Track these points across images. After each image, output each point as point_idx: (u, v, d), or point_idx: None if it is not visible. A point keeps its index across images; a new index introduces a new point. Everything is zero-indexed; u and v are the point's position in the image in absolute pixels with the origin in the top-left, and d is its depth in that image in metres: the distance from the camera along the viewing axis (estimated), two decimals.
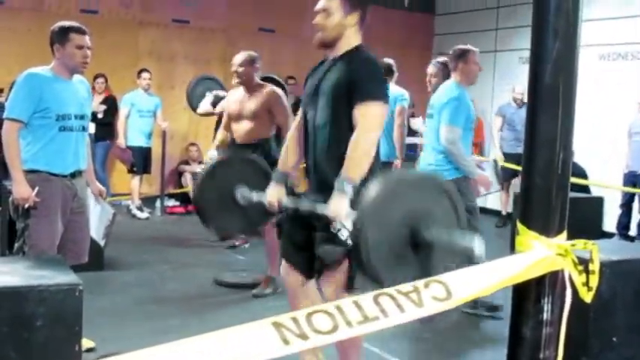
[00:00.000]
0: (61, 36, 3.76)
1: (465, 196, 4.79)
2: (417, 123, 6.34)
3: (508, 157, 8.39)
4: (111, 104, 8.74)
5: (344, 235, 3.09)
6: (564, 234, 1.78)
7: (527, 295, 1.78)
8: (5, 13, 8.76)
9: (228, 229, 3.95)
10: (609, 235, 7.84)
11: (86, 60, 3.80)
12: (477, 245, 2.28)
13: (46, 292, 2.62)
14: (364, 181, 2.80)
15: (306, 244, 3.19)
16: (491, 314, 4.85)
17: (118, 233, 6.15)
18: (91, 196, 4.20)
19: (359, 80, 3.02)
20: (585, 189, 8.39)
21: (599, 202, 8.16)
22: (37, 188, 3.67)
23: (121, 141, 8.42)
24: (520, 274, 1.71)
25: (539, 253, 1.73)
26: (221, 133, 5.49)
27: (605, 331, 3.10)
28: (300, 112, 3.37)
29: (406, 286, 1.62)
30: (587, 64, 7.61)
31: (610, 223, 8.12)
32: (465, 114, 4.79)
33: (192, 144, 9.55)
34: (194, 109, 7.71)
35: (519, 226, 1.81)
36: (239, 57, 5.31)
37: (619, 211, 8.00)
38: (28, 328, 2.59)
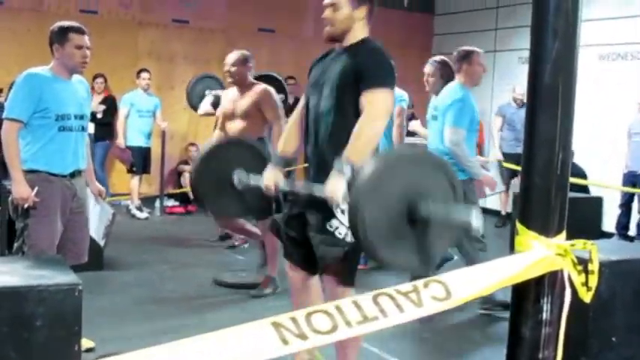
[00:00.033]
0: (61, 36, 3.76)
1: (467, 198, 4.80)
2: (414, 125, 6.34)
3: (508, 157, 8.39)
4: (110, 104, 8.74)
5: (341, 233, 3.10)
6: (563, 234, 1.79)
7: (527, 294, 1.78)
8: (5, 14, 8.76)
9: (225, 213, 3.91)
10: (608, 235, 7.84)
11: (85, 60, 3.80)
12: (475, 218, 2.28)
13: (46, 292, 2.62)
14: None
15: (305, 240, 3.19)
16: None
17: (117, 233, 6.15)
18: (90, 196, 4.20)
19: (366, 68, 3.02)
20: (584, 189, 8.40)
21: (598, 202, 8.17)
22: (36, 188, 3.67)
23: (120, 141, 8.42)
24: (519, 273, 1.71)
25: (538, 253, 1.73)
26: (217, 134, 5.49)
27: (604, 331, 3.10)
28: (302, 100, 3.38)
29: (405, 286, 1.62)
30: (586, 64, 7.61)
31: (609, 223, 8.13)
32: (469, 115, 4.79)
33: (192, 144, 9.55)
34: (194, 107, 7.71)
35: (519, 226, 1.81)
36: (232, 56, 5.31)
37: (618, 211, 8.00)
38: (27, 328, 2.59)
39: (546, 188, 1.77)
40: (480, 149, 9.70)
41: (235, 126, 5.17)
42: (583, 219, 6.85)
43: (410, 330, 4.31)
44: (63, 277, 2.76)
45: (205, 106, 7.17)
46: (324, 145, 3.11)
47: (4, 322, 2.56)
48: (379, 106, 2.98)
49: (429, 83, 5.45)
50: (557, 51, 1.74)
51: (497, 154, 8.69)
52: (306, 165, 3.39)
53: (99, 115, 8.49)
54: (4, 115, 3.73)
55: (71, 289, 2.68)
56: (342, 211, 3.06)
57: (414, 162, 2.47)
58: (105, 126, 8.61)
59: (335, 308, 1.51)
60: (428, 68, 5.46)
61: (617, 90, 8.33)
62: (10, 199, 3.80)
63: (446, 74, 5.28)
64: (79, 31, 3.80)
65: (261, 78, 6.38)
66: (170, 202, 9.08)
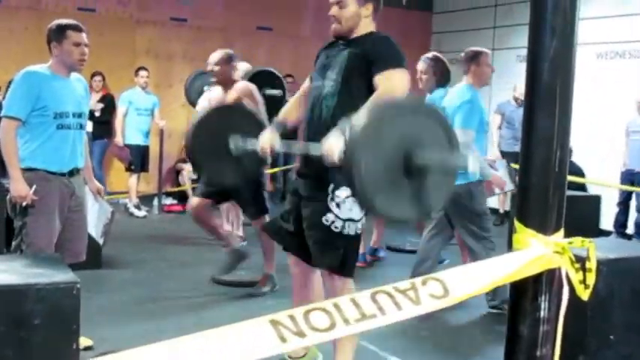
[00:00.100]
0: (59, 34, 3.76)
1: (476, 200, 4.81)
2: None
3: (506, 155, 8.39)
4: (108, 102, 8.74)
5: (337, 227, 3.10)
6: (561, 232, 1.79)
7: (525, 292, 1.78)
8: (2, 12, 8.76)
9: (221, 180, 3.86)
10: (606, 234, 7.85)
11: (84, 57, 3.80)
12: (472, 163, 2.27)
13: (44, 291, 2.62)
14: None
15: (302, 231, 3.22)
16: None
17: (115, 232, 6.15)
18: (89, 194, 4.20)
19: (379, 52, 3.03)
20: (582, 187, 8.40)
21: (596, 200, 8.18)
22: (34, 186, 3.67)
23: (118, 139, 8.41)
24: (517, 271, 1.71)
25: (536, 251, 1.74)
26: None
27: (602, 329, 3.10)
28: (306, 81, 3.38)
29: (404, 284, 1.62)
30: (584, 62, 7.61)
31: (607, 221, 8.14)
32: (478, 116, 4.79)
33: None
34: (192, 103, 7.70)
35: (517, 224, 1.82)
36: (215, 55, 5.25)
37: (616, 210, 8.01)
38: (25, 327, 2.58)
39: (544, 186, 1.77)
40: None
41: None
42: (581, 217, 6.85)
43: (409, 328, 4.31)
44: (61, 276, 2.76)
45: (203, 102, 7.16)
46: (325, 127, 3.08)
47: (2, 321, 2.56)
48: (396, 82, 2.98)
49: (422, 81, 5.44)
50: (555, 49, 1.74)
51: (495, 152, 8.69)
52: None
53: (97, 114, 8.49)
54: (2, 113, 3.73)
55: (69, 288, 2.68)
56: (337, 205, 3.07)
57: (409, 111, 2.44)
58: (103, 124, 8.61)
59: (333, 306, 1.51)
60: (421, 65, 5.45)
61: (615, 88, 8.34)
62: (8, 197, 3.79)
63: (439, 71, 5.27)
64: (77, 28, 3.79)
65: (261, 74, 6.37)
66: (168, 201, 9.07)
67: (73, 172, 3.86)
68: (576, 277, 1.76)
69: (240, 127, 3.39)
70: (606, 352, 3.11)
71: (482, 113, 4.85)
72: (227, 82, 5.18)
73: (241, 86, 5.18)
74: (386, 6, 3.41)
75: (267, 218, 5.14)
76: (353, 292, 2.81)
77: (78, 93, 3.88)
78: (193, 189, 7.80)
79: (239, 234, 7.03)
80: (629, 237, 7.78)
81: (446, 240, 5.20)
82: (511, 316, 1.84)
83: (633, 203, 7.91)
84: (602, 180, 8.12)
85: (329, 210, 3.08)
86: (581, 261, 1.77)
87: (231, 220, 7.13)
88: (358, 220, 3.14)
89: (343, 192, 3.08)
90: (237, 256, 5.33)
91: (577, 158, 8.16)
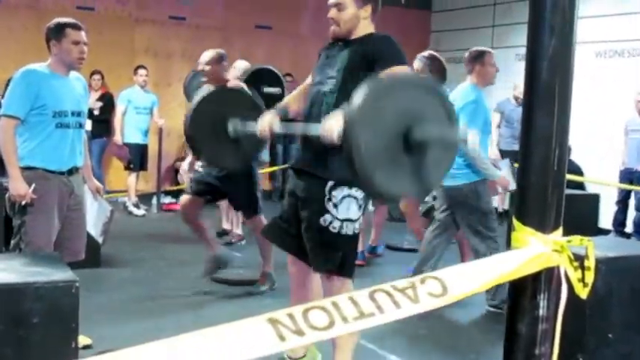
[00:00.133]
0: (57, 32, 3.76)
1: (482, 199, 4.81)
2: None
3: (505, 154, 8.39)
4: (107, 101, 8.74)
5: (335, 227, 3.10)
6: (560, 230, 1.79)
7: (523, 291, 1.78)
8: (1, 11, 8.76)
9: (220, 163, 3.84)
10: (605, 232, 7.86)
11: (83, 56, 3.79)
12: (471, 137, 2.27)
13: (43, 289, 2.63)
14: None
15: (300, 232, 3.22)
16: None
17: (114, 230, 6.14)
18: (88, 193, 4.20)
19: (381, 51, 3.04)
20: (580, 186, 8.41)
21: (595, 199, 8.18)
22: (33, 185, 3.67)
23: (117, 138, 8.41)
24: (516, 270, 1.71)
25: (535, 250, 1.73)
26: None
27: (601, 328, 3.10)
28: (308, 78, 3.39)
29: (402, 282, 1.62)
30: (583, 61, 7.60)
31: (606, 220, 8.14)
32: (483, 117, 4.79)
33: None
34: (191, 101, 7.69)
35: (515, 222, 1.81)
36: (206, 55, 5.21)
37: (615, 208, 8.02)
38: (24, 325, 2.59)
39: (543, 185, 1.77)
40: None
41: None
42: (580, 216, 6.86)
43: (407, 327, 4.31)
44: (60, 274, 2.76)
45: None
46: None
47: (1, 320, 2.56)
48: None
49: None
50: (553, 48, 1.74)
51: (494, 151, 8.69)
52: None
53: (96, 112, 8.48)
54: (1, 112, 3.73)
55: (68, 286, 2.68)
56: (335, 205, 3.07)
57: (408, 86, 2.43)
58: (102, 123, 8.60)
59: (331, 304, 1.51)
60: (417, 64, 5.45)
61: (614, 87, 8.35)
62: (7, 196, 3.79)
63: (435, 69, 5.27)
64: (76, 26, 3.79)
65: (260, 71, 6.36)
66: (167, 199, 9.07)
67: (72, 171, 3.86)
68: (575, 276, 1.76)
69: (239, 111, 3.38)
70: (605, 351, 3.12)
71: (486, 113, 4.86)
72: (218, 82, 5.16)
73: (233, 85, 5.17)
74: (384, 5, 3.41)
75: (262, 218, 5.14)
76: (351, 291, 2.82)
77: (77, 92, 3.87)
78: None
79: (238, 232, 7.04)
80: (627, 235, 7.79)
81: (449, 240, 5.20)
82: (510, 314, 1.84)
83: (632, 202, 7.91)
84: (600, 178, 8.12)
85: (326, 211, 3.09)
86: (579, 259, 1.77)
87: (230, 219, 7.14)
88: (356, 220, 3.14)
89: (340, 192, 3.08)
90: (218, 262, 5.28)
91: (576, 157, 8.16)
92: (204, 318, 4.48)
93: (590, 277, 1.77)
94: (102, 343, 3.80)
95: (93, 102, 8.26)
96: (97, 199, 4.50)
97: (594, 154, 8.45)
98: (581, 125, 7.28)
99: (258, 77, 6.11)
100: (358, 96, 2.33)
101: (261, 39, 10.11)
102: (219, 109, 3.38)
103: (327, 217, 3.09)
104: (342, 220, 3.10)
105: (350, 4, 3.12)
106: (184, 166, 6.26)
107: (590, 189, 8.50)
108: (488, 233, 4.77)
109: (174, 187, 9.34)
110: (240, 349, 1.39)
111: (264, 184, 9.63)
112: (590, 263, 1.77)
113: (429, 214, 6.52)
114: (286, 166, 9.37)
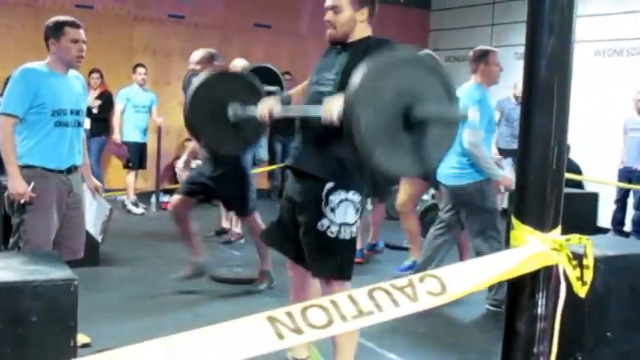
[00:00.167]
0: (56, 30, 3.75)
1: (487, 198, 4.81)
2: None
3: (504, 152, 8.39)
4: (106, 99, 8.73)
5: (333, 232, 3.10)
6: (559, 229, 1.79)
7: (522, 289, 1.78)
8: (0, 9, 8.74)
9: (220, 148, 3.83)
10: (604, 231, 7.86)
11: (81, 54, 3.79)
12: (471, 114, 2.26)
13: (42, 288, 2.62)
14: None
15: (299, 237, 3.22)
16: None
17: (113, 229, 6.14)
18: (87, 191, 4.20)
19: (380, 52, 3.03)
20: (579, 185, 8.41)
21: (594, 197, 8.19)
22: (32, 183, 3.67)
23: (116, 136, 8.41)
24: (515, 268, 1.71)
25: (533, 248, 1.74)
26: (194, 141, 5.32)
27: (599, 327, 3.10)
28: (308, 80, 3.38)
29: (401, 281, 1.62)
30: (582, 60, 7.62)
31: (605, 218, 8.14)
32: (487, 116, 4.79)
33: (188, 139, 9.50)
34: None
35: (514, 221, 1.82)
36: (197, 54, 5.19)
37: (614, 207, 8.02)
38: (23, 324, 2.59)
39: (542, 184, 1.77)
40: None
41: None
42: (579, 214, 6.86)
43: (406, 325, 4.32)
44: (59, 273, 2.76)
45: None
46: (321, 125, 3.09)
47: (0, 318, 2.56)
48: None
49: None
50: (552, 47, 1.74)
51: (494, 150, 8.68)
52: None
53: (95, 111, 8.47)
54: None
55: (67, 285, 2.68)
56: (332, 210, 3.07)
57: (408, 65, 2.42)
58: (101, 121, 8.60)
59: (330, 303, 1.51)
60: None
61: (613, 86, 8.35)
62: (6, 194, 3.79)
63: None
64: (75, 25, 3.79)
65: (258, 70, 6.35)
66: (166, 198, 9.04)
67: (71, 170, 3.86)
68: (574, 274, 1.76)
69: (239, 95, 3.37)
70: (603, 349, 3.12)
71: (491, 113, 4.86)
72: None
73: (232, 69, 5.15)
74: (383, 3, 3.40)
75: (257, 217, 5.13)
76: None
77: (76, 90, 3.87)
78: None
79: (237, 231, 7.04)
80: (626, 234, 7.79)
81: (454, 240, 5.19)
82: (508, 313, 1.84)
83: (631, 201, 7.92)
84: (599, 177, 8.13)
85: (324, 215, 3.08)
86: (578, 258, 1.78)
87: (229, 217, 7.14)
88: (353, 224, 3.14)
89: (337, 196, 3.08)
90: (196, 270, 5.23)
91: (575, 156, 8.16)
92: (202, 316, 4.48)
93: (588, 275, 1.78)
94: (101, 342, 3.80)
95: (92, 100, 8.26)
96: (96, 197, 4.50)
97: (593, 153, 8.45)
98: (580, 124, 7.28)
99: (256, 76, 6.09)
100: (358, 75, 2.33)
101: (261, 38, 10.11)
102: (218, 94, 3.35)
103: (325, 221, 3.08)
104: (340, 225, 3.10)
105: (346, 7, 3.10)
106: (179, 164, 6.26)
107: (589, 188, 8.50)
108: (492, 233, 4.77)
109: (173, 186, 9.32)
110: (238, 347, 1.39)
111: (263, 183, 9.66)
112: (589, 262, 1.77)
113: (426, 214, 6.53)
114: (284, 164, 9.39)
